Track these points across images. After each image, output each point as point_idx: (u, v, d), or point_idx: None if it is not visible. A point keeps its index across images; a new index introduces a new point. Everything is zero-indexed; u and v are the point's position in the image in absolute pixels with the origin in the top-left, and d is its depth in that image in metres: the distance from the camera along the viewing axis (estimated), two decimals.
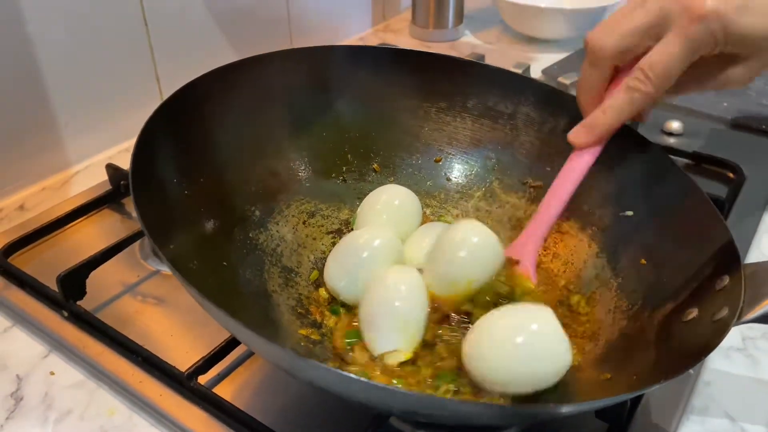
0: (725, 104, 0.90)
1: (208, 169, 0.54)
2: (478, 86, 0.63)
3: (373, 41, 1.12)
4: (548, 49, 1.09)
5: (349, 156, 0.63)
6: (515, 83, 0.62)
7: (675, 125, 0.83)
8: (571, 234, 0.57)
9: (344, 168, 0.63)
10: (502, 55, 1.05)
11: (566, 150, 0.55)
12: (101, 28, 0.73)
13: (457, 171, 0.64)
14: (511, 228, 0.60)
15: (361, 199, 0.61)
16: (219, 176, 0.55)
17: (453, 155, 0.64)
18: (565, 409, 0.42)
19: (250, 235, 0.55)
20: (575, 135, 0.52)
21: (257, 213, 0.56)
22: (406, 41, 1.13)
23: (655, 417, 0.48)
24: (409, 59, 0.64)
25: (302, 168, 0.61)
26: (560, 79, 0.87)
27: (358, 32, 1.15)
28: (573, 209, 0.57)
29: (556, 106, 0.60)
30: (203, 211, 0.52)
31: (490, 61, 0.98)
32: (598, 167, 0.55)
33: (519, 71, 0.83)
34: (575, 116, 0.56)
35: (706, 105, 0.89)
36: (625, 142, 0.55)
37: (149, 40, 0.78)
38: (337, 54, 0.64)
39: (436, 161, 0.64)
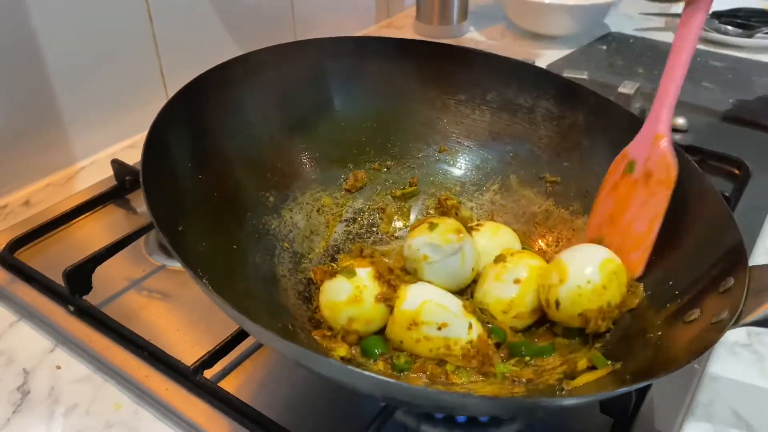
0: (731, 100, 0.90)
1: (224, 155, 0.54)
2: (499, 79, 0.62)
3: None
4: (552, 45, 1.09)
5: (366, 146, 0.63)
6: (536, 77, 0.62)
7: (680, 121, 0.83)
8: (584, 230, 0.57)
9: (361, 158, 0.63)
10: (506, 52, 1.02)
11: (585, 146, 0.56)
12: (106, 24, 0.73)
13: (474, 164, 0.63)
14: (524, 223, 0.60)
15: (381, 187, 0.62)
16: (235, 162, 0.55)
17: (471, 148, 0.64)
18: (566, 401, 0.42)
19: (263, 220, 0.55)
20: None
21: (271, 199, 0.57)
22: (409, 37, 1.13)
23: (660, 412, 0.48)
24: (430, 51, 0.64)
25: (318, 156, 0.61)
26: (565, 75, 0.87)
27: (362, 29, 1.15)
28: (588, 205, 0.57)
29: (576, 101, 0.59)
30: (217, 195, 0.52)
31: None
32: None
33: None
34: (595, 112, 0.56)
35: (711, 101, 0.89)
36: None
37: (154, 36, 0.78)
38: (357, 44, 0.64)
39: (454, 153, 0.64)
